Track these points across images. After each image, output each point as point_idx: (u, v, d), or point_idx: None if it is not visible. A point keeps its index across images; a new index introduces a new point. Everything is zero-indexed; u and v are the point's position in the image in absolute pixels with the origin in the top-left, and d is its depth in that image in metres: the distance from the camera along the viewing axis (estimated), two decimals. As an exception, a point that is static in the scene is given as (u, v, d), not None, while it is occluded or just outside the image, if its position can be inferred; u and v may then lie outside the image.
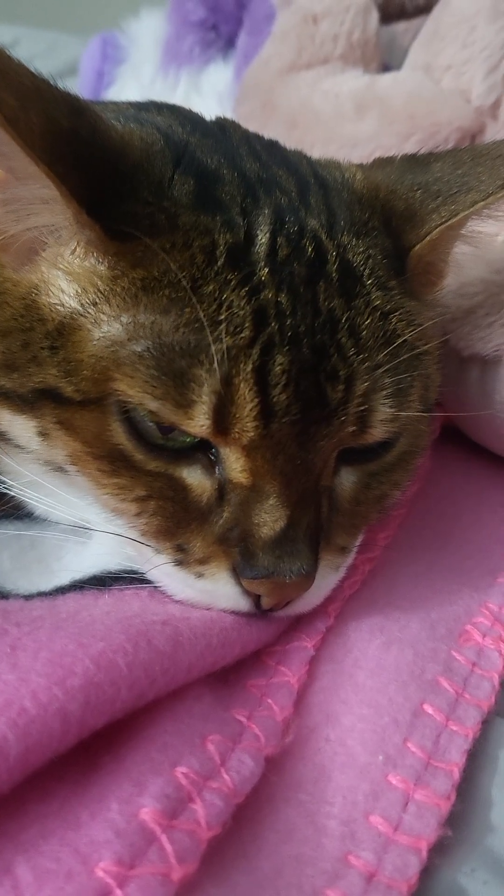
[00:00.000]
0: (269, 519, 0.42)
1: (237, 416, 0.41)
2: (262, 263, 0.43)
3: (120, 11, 1.24)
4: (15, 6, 1.94)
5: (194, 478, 0.44)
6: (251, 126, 0.57)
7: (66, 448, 0.45)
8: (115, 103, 0.58)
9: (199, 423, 0.41)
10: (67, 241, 0.44)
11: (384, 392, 0.44)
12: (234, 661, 0.43)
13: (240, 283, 0.42)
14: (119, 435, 0.43)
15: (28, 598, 0.45)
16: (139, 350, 0.41)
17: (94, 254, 0.43)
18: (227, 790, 0.35)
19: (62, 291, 0.44)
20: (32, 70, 0.40)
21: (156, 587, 0.46)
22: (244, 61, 1.05)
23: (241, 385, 0.41)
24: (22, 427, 0.47)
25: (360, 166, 0.57)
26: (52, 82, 0.40)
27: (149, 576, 0.46)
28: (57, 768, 0.33)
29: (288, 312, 0.42)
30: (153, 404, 0.41)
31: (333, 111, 0.84)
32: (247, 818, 0.35)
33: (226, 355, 0.40)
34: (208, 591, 0.44)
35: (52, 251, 0.45)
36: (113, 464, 0.44)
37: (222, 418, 0.41)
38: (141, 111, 0.54)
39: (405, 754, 0.40)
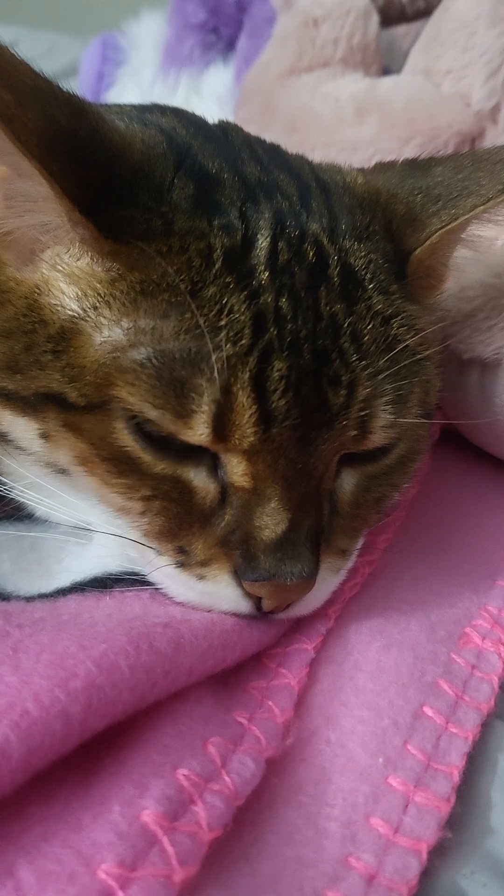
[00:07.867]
0: (271, 522, 0.42)
1: (236, 423, 0.41)
2: (262, 267, 0.43)
3: (120, 13, 1.25)
4: (15, 7, 1.93)
5: (200, 480, 0.44)
6: (251, 129, 0.57)
7: (74, 450, 0.45)
8: (119, 105, 0.58)
9: (198, 432, 0.41)
10: (63, 239, 0.44)
11: (385, 398, 0.44)
12: (235, 663, 0.43)
13: (239, 287, 0.42)
14: (125, 438, 0.43)
15: (29, 599, 0.45)
16: (140, 358, 0.41)
17: (90, 253, 0.43)
18: (228, 792, 0.35)
19: (63, 293, 0.44)
20: (35, 69, 0.40)
21: (157, 589, 0.46)
22: (244, 64, 1.06)
23: (239, 393, 0.41)
24: (24, 429, 0.47)
25: (362, 170, 0.57)
26: (54, 82, 0.40)
27: (150, 578, 0.46)
28: (59, 770, 0.33)
29: (288, 317, 0.43)
30: (153, 413, 0.41)
31: (333, 115, 0.84)
32: (248, 820, 0.35)
33: (225, 364, 0.40)
34: (209, 594, 0.45)
35: (51, 251, 0.45)
36: (119, 465, 0.44)
37: (222, 426, 0.41)
38: (145, 113, 0.54)
39: (405, 756, 0.40)
